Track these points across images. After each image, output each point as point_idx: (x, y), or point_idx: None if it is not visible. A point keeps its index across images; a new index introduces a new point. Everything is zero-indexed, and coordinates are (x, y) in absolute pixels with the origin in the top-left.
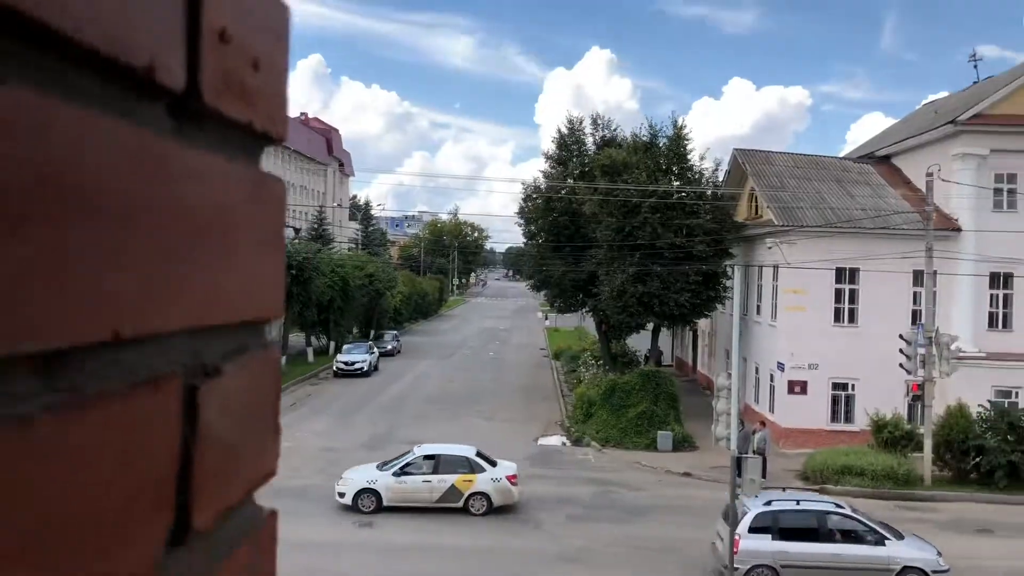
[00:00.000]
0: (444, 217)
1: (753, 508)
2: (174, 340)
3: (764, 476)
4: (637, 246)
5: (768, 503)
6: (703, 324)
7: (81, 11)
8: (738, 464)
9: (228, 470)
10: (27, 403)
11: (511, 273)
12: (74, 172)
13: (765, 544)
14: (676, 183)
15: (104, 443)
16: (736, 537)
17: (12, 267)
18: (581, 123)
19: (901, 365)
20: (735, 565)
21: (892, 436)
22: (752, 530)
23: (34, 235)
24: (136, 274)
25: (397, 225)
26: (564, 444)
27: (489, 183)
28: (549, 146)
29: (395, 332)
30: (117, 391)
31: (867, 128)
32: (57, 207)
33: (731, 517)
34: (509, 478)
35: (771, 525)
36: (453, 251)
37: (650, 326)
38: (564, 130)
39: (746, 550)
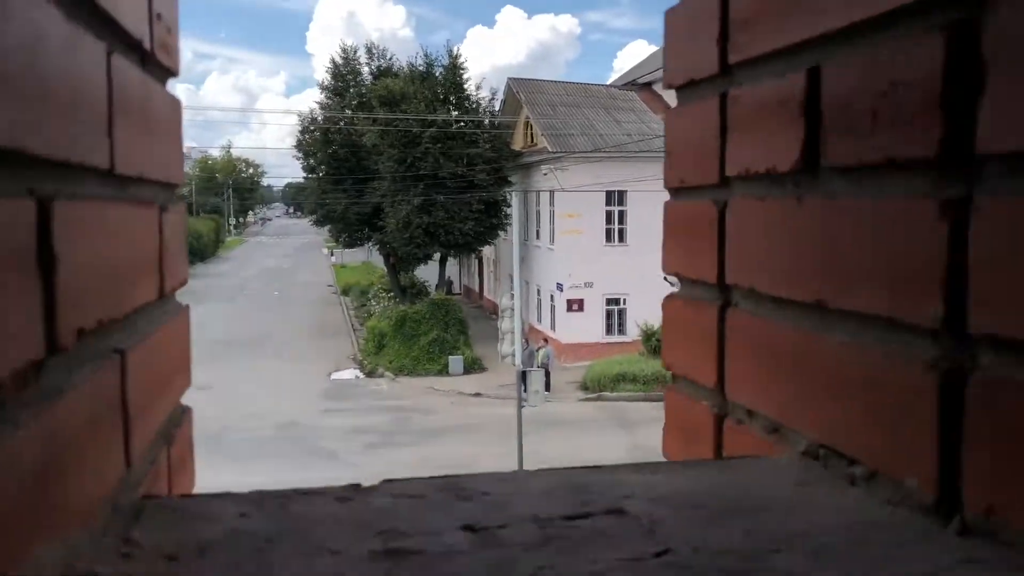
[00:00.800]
0: (215, 153)
1: None
2: (154, 185)
3: (548, 389)
4: (420, 177)
5: None
6: (488, 252)
7: (129, 13)
8: (523, 378)
9: (173, 265)
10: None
11: (292, 210)
12: (128, 92)
13: None
14: (455, 113)
15: (133, 224)
16: None
17: (123, 137)
18: (356, 53)
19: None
20: None
21: (660, 343)
22: None
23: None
24: (143, 145)
25: None
26: (357, 377)
27: (262, 116)
28: (324, 76)
29: None
30: (146, 202)
31: (633, 56)
32: (127, 107)
33: None
34: None
35: None
36: (227, 189)
37: (437, 256)
38: (338, 60)
39: None
